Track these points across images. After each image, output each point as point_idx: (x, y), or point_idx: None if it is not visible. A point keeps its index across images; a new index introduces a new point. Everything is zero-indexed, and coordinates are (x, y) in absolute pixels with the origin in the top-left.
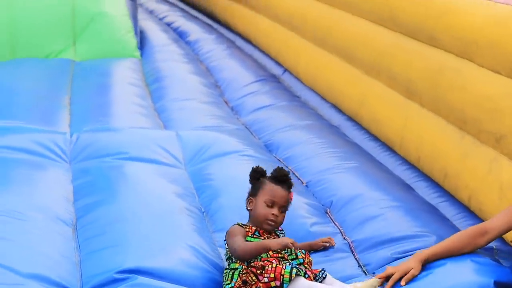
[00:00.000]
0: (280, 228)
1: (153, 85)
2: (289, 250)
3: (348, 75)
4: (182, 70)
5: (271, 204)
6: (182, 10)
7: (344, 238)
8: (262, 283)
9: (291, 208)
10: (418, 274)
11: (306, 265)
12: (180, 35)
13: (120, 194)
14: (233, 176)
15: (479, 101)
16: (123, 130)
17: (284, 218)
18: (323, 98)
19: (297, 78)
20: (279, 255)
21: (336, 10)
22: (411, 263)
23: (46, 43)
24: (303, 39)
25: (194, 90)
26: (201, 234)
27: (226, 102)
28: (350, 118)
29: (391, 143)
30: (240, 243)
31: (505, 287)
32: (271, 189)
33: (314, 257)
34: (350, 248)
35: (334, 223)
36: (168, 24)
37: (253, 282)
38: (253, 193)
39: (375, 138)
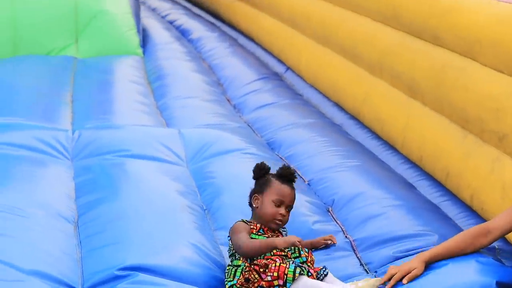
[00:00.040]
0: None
1: (156, 83)
2: (292, 248)
3: (351, 73)
4: (185, 68)
5: (279, 204)
6: (184, 8)
7: (346, 236)
8: (265, 281)
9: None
10: (421, 274)
11: (308, 264)
12: (182, 33)
13: (121, 192)
14: (235, 174)
15: (482, 100)
16: (125, 127)
17: (289, 217)
18: (325, 97)
19: (299, 76)
20: (283, 253)
21: (339, 8)
22: (414, 263)
23: (48, 40)
24: (306, 37)
25: (196, 88)
26: (202, 232)
27: (228, 100)
28: (353, 117)
29: (394, 142)
30: (245, 240)
31: (508, 287)
32: (279, 188)
33: (315, 255)
34: (352, 246)
35: (336, 222)
36: (171, 22)
37: (256, 280)
38: (259, 191)
39: (378, 136)
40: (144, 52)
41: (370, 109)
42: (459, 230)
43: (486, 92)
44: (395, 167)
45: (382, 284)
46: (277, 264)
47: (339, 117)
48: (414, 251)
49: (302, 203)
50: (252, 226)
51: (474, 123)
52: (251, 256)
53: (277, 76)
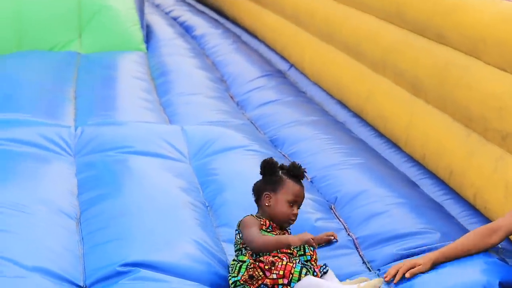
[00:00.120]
0: None
1: (159, 79)
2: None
3: (354, 71)
4: (188, 65)
5: (292, 203)
6: (188, 4)
7: (349, 234)
8: (269, 279)
9: None
10: (426, 271)
11: (312, 262)
12: (186, 30)
13: (124, 188)
14: (237, 171)
15: (486, 99)
16: (128, 124)
17: None
18: (329, 94)
19: (303, 73)
20: (289, 251)
21: (343, 6)
22: (420, 260)
23: (52, 35)
24: (310, 34)
25: (199, 84)
26: (205, 229)
27: (231, 97)
28: (356, 114)
29: (397, 140)
30: (257, 235)
31: (510, 287)
32: (294, 189)
33: (318, 253)
34: (355, 244)
35: (339, 219)
36: (175, 19)
37: (260, 278)
38: (271, 189)
39: (381, 134)
40: (147, 48)
41: (374, 106)
42: (462, 228)
43: (489, 91)
44: (398, 165)
45: (388, 280)
46: (284, 262)
47: (342, 115)
48: (417, 249)
49: (305, 200)
50: (262, 222)
51: (478, 122)
52: (262, 251)
53: (280, 73)
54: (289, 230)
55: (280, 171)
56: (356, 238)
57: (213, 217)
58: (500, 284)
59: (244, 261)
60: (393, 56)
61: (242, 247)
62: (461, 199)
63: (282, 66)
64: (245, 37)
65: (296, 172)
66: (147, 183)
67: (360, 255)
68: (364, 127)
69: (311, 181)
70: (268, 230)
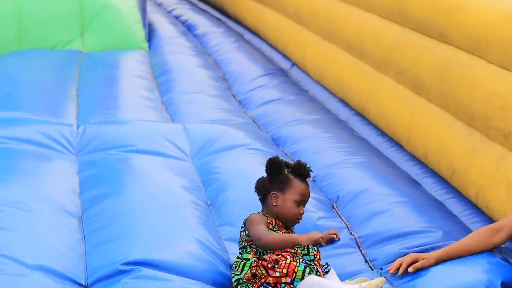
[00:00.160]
0: None
1: (161, 77)
2: None
3: (356, 70)
4: (190, 63)
5: (299, 203)
6: (190, 3)
7: (351, 233)
8: (272, 277)
9: None
10: (429, 266)
11: (316, 262)
12: (188, 28)
13: (126, 187)
14: (240, 169)
15: (488, 97)
16: (130, 122)
17: None
18: (331, 93)
19: (305, 72)
20: (292, 250)
21: (345, 4)
22: (425, 255)
23: (53, 33)
24: (312, 33)
25: (202, 83)
26: (207, 228)
27: (233, 95)
28: (358, 113)
29: (399, 139)
30: (265, 232)
31: None
32: (301, 188)
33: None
34: (357, 243)
35: (341, 218)
36: (177, 17)
37: (263, 276)
38: (278, 188)
39: (383, 133)
40: (149, 47)
41: (375, 105)
42: (464, 227)
43: (491, 90)
44: (400, 164)
45: (391, 273)
46: (287, 261)
47: (344, 113)
48: (419, 248)
49: None
50: (269, 221)
51: (480, 121)
52: (270, 249)
53: (282, 72)
54: (293, 229)
55: (285, 170)
56: (358, 237)
57: (215, 216)
58: (503, 283)
59: (248, 259)
60: (395, 54)
61: (247, 244)
62: (463, 198)
63: (284, 64)
64: (247, 35)
65: (302, 171)
66: (149, 181)
67: (362, 254)
68: (366, 126)
69: (313, 180)
70: (275, 229)
